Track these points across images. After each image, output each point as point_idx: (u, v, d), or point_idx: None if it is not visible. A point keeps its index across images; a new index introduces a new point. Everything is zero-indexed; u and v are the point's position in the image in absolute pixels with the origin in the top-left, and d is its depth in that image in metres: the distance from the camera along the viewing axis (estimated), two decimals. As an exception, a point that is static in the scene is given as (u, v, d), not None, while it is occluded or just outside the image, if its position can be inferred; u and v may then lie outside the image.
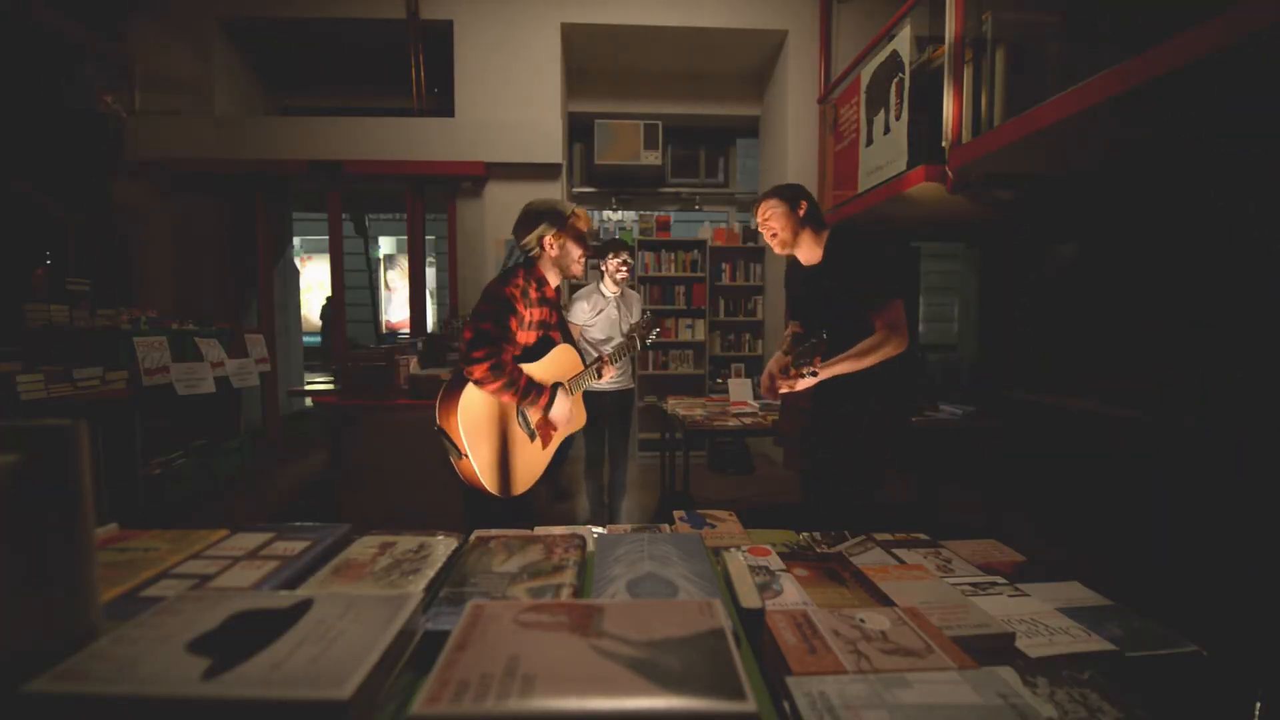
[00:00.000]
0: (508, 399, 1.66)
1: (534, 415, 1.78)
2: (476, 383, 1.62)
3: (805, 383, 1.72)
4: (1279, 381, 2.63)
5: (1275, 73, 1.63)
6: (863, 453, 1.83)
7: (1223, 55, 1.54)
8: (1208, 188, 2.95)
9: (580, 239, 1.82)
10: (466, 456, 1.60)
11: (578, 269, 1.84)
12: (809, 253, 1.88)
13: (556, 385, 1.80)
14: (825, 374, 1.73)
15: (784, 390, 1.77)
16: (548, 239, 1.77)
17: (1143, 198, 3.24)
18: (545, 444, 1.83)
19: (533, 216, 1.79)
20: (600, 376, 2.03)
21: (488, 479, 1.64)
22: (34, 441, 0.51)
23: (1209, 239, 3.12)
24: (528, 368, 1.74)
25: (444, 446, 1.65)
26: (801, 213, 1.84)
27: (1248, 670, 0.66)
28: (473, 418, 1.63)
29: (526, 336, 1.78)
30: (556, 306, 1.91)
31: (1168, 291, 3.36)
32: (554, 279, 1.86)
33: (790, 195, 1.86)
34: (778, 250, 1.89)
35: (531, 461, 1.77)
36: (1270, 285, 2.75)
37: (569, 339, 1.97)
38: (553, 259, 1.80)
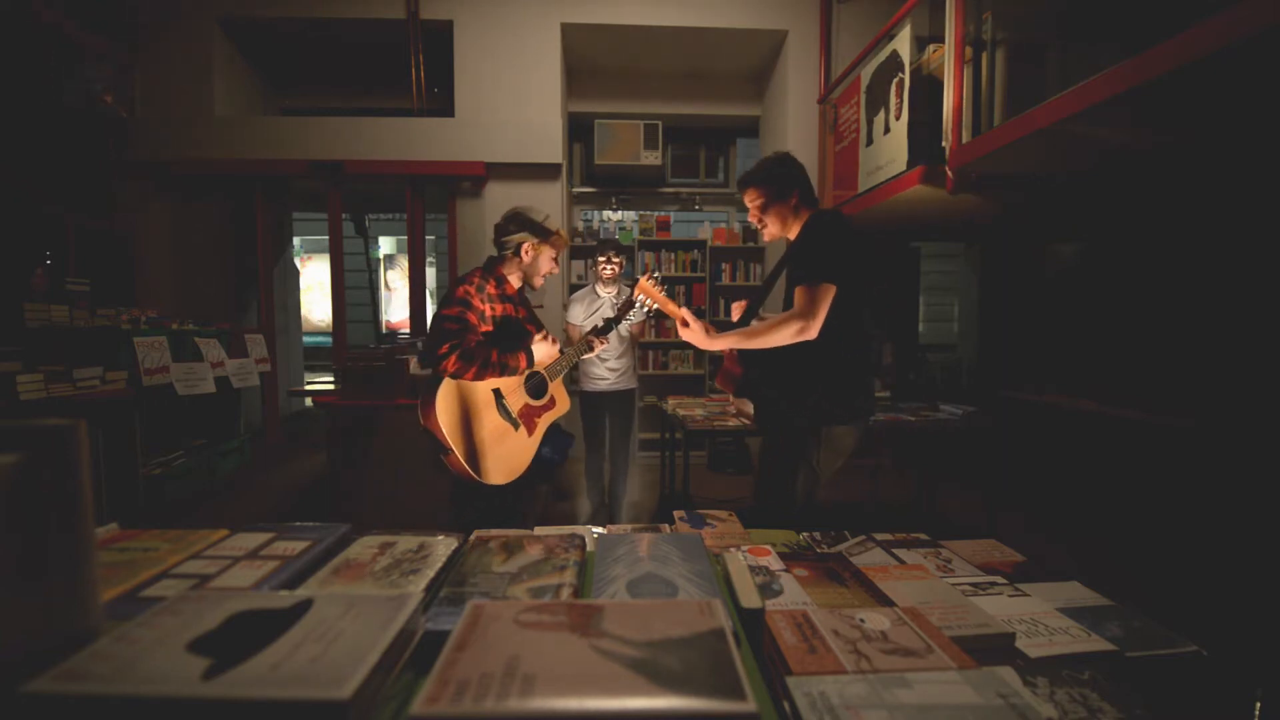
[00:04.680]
0: (492, 377, 1.71)
1: (516, 402, 1.81)
2: (453, 375, 1.66)
3: (686, 332, 1.70)
4: (1278, 381, 2.63)
5: (1275, 73, 1.63)
6: (781, 453, 1.72)
7: (1222, 55, 1.54)
8: (1209, 187, 2.95)
9: (553, 258, 1.90)
10: (453, 452, 1.64)
11: (539, 282, 1.92)
12: (795, 233, 1.79)
13: (530, 338, 1.84)
14: (719, 344, 1.67)
15: (681, 333, 1.74)
16: (527, 245, 1.84)
17: (1143, 198, 3.24)
18: (530, 431, 1.85)
19: (520, 220, 1.85)
20: (593, 349, 2.04)
21: (476, 470, 1.68)
22: (34, 441, 0.51)
23: (1209, 239, 3.12)
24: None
25: (432, 445, 1.69)
26: (793, 203, 1.73)
27: (1248, 670, 0.66)
28: (451, 413, 1.66)
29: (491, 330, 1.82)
30: (521, 302, 1.94)
31: (1168, 291, 3.36)
32: (516, 281, 1.90)
33: (781, 187, 1.72)
34: (766, 239, 1.82)
35: (518, 450, 1.80)
36: (1270, 285, 2.75)
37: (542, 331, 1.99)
38: (522, 265, 1.87)
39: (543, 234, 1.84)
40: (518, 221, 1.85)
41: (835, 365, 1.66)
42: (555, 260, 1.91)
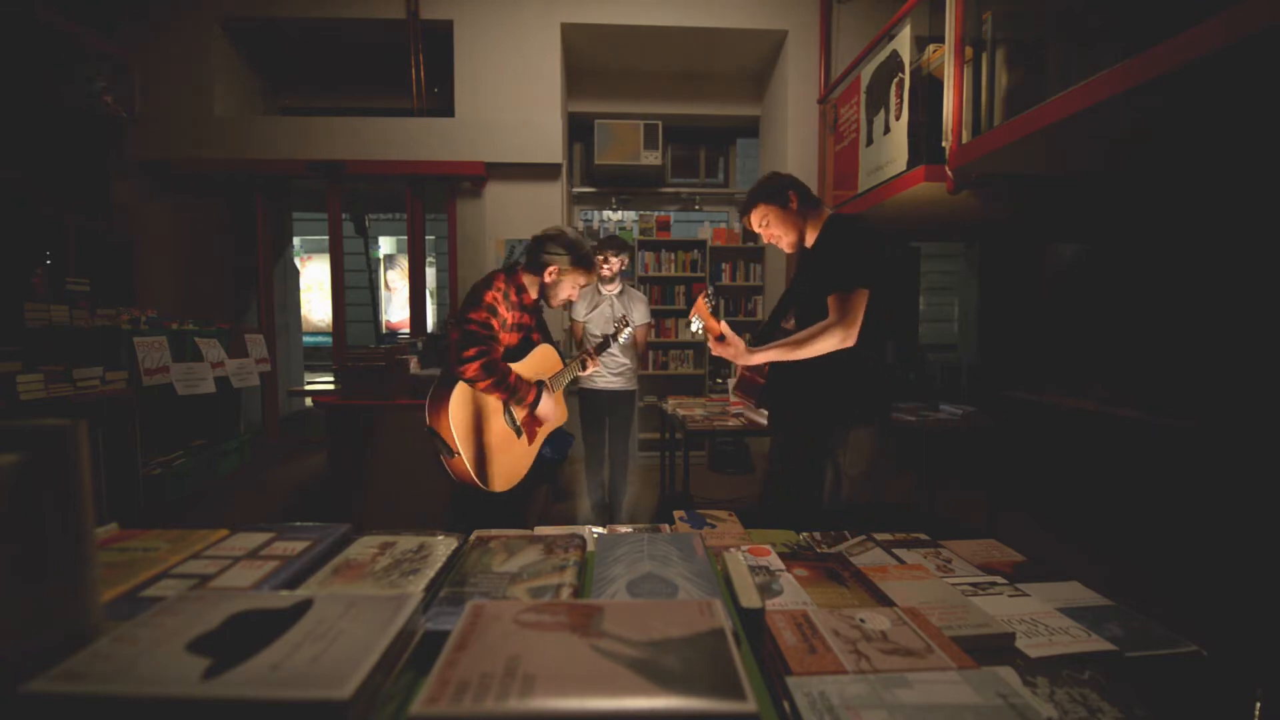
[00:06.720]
0: (498, 396, 1.74)
1: (520, 412, 1.85)
2: (469, 381, 1.68)
3: (722, 348, 1.63)
4: (1278, 381, 2.63)
5: (1275, 73, 1.63)
6: (804, 454, 1.71)
7: (1222, 55, 1.54)
8: (1208, 188, 2.95)
9: (578, 285, 1.92)
10: (459, 455, 1.65)
11: (556, 304, 1.94)
12: (812, 239, 1.76)
13: (541, 383, 1.88)
14: (759, 358, 1.61)
15: (714, 349, 1.66)
16: (553, 268, 1.85)
17: (1143, 198, 3.24)
18: (530, 440, 1.90)
19: (561, 242, 1.85)
20: (585, 369, 2.13)
21: (479, 475, 1.70)
22: (34, 441, 0.51)
23: (1209, 239, 3.12)
24: (512, 366, 1.81)
25: (435, 447, 1.71)
26: (795, 206, 1.71)
27: (1248, 670, 0.66)
28: (463, 417, 1.69)
29: (509, 338, 1.85)
30: (536, 311, 1.98)
31: (1168, 292, 3.36)
32: (534, 291, 1.92)
33: (777, 194, 1.71)
34: (789, 250, 1.78)
35: (518, 457, 1.85)
36: (1271, 286, 2.75)
37: (549, 340, 2.04)
38: (543, 282, 1.89)
39: (576, 263, 1.86)
40: (558, 243, 1.85)
41: (856, 367, 1.63)
42: (574, 292, 1.94)
